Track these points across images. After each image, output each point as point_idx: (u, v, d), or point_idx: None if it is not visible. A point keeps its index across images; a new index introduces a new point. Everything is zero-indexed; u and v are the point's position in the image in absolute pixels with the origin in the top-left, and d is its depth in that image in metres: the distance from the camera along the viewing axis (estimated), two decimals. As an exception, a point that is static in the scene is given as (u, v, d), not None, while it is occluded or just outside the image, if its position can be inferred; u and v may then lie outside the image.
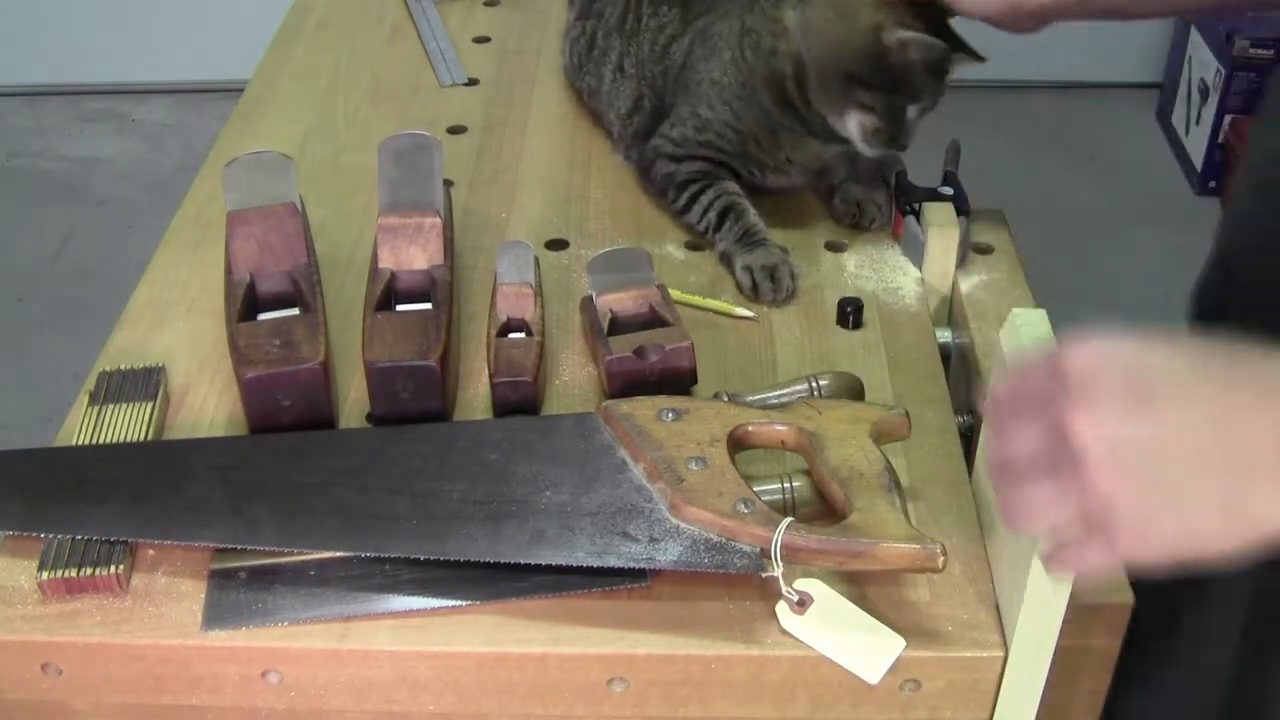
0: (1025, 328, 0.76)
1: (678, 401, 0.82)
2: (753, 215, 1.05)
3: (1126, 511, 0.61)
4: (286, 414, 0.85)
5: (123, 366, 0.92)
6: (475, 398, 0.92)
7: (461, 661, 0.76)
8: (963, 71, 0.99)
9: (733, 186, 1.07)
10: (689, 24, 1.11)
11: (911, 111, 1.00)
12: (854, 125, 1.00)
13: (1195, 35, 2.80)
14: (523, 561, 0.76)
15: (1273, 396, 0.59)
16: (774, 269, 1.01)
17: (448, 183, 1.08)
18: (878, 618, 0.75)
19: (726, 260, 1.04)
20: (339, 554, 0.79)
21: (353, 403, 0.92)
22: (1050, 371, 0.63)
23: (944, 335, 1.00)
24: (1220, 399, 0.60)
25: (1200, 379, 0.60)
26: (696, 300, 0.99)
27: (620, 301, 0.93)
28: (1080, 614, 0.74)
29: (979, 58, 0.98)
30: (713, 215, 1.05)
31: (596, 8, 1.21)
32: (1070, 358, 0.62)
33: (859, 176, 1.09)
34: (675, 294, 0.96)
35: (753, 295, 1.01)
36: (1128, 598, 0.76)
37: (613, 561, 0.75)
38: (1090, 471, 0.60)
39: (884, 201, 1.08)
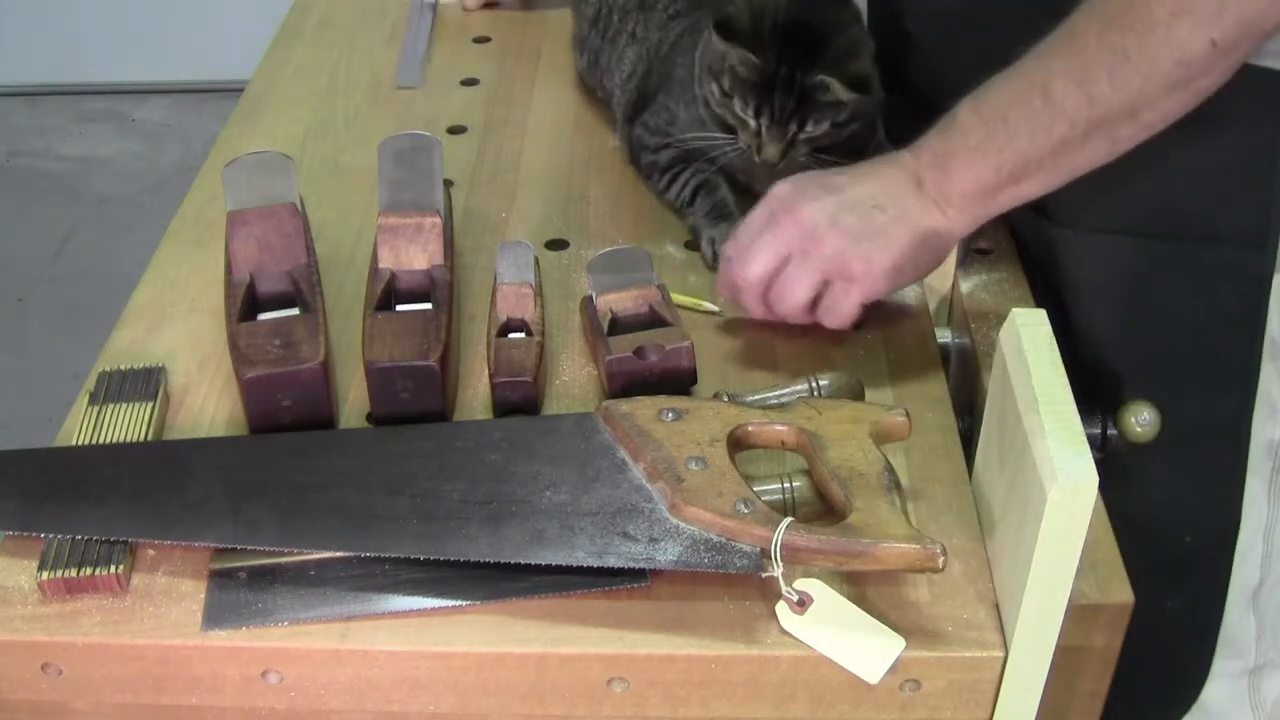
0: (1025, 328, 0.76)
1: (678, 401, 0.82)
2: (724, 191, 1.06)
3: (849, 256, 0.87)
4: (286, 414, 0.85)
5: (123, 366, 0.92)
6: (475, 398, 0.92)
7: (461, 661, 0.76)
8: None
9: (711, 168, 1.07)
10: (693, 10, 1.11)
11: (761, 121, 1.01)
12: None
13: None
14: (523, 561, 0.76)
15: (899, 162, 0.89)
16: None
17: (448, 183, 1.08)
18: (878, 618, 0.75)
19: (695, 234, 1.06)
20: (339, 554, 0.79)
21: (353, 403, 0.92)
22: (765, 205, 0.90)
23: (944, 335, 1.00)
24: (875, 171, 0.90)
25: (859, 170, 0.91)
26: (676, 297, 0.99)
27: (620, 301, 0.93)
28: (1080, 614, 0.75)
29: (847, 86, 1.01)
30: (687, 192, 1.08)
31: None
32: (773, 192, 0.91)
33: None
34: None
35: (714, 268, 1.02)
36: (1128, 597, 0.76)
37: (613, 561, 0.75)
38: (821, 239, 0.87)
39: None
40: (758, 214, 0.92)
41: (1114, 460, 0.95)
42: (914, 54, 0.89)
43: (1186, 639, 1.06)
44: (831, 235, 0.88)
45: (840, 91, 0.99)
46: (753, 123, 1.01)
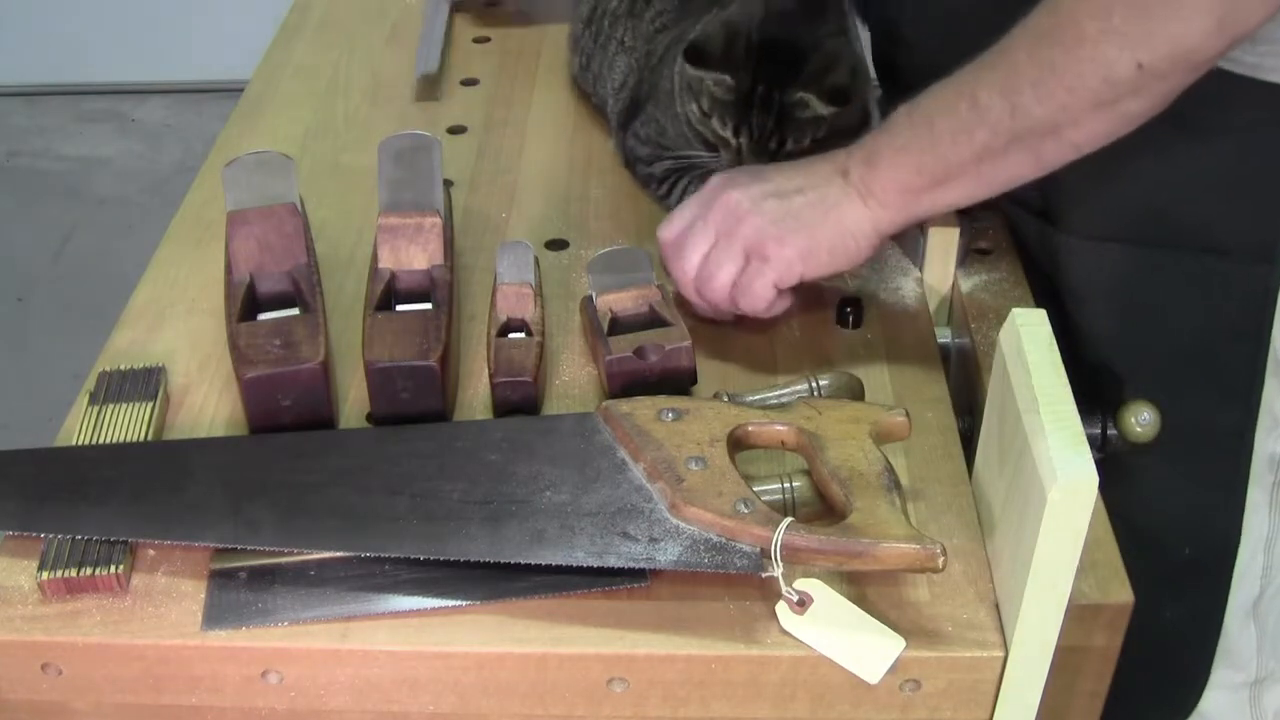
0: (1025, 328, 0.76)
1: (678, 401, 0.82)
2: None
3: (766, 235, 0.89)
4: (286, 414, 0.85)
5: (123, 366, 0.92)
6: (475, 398, 0.92)
7: (461, 661, 0.76)
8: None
9: (714, 169, 1.07)
10: (680, 21, 1.11)
11: (741, 140, 1.01)
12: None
13: None
14: (523, 561, 0.76)
15: (832, 157, 0.91)
16: None
17: (448, 183, 1.08)
18: (878, 618, 0.75)
19: None
20: (339, 554, 0.79)
21: (353, 403, 0.92)
22: (696, 196, 0.94)
23: (944, 335, 1.00)
24: (806, 164, 0.92)
25: (789, 165, 0.93)
26: None
27: (620, 301, 0.93)
28: (1080, 614, 0.75)
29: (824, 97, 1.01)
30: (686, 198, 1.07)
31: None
32: (706, 184, 0.94)
33: None
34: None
35: None
36: (1128, 598, 0.76)
37: (612, 561, 0.75)
38: (743, 218, 0.90)
39: None
40: (690, 204, 0.94)
41: (1115, 466, 0.95)
42: (913, 58, 0.89)
43: (1185, 648, 1.06)
44: (752, 216, 0.90)
45: (819, 107, 1.00)
46: (733, 141, 1.01)
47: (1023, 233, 1.04)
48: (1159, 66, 0.77)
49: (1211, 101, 0.82)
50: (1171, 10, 0.75)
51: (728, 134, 1.02)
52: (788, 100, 1.00)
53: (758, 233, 0.90)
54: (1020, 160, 0.84)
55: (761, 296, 0.91)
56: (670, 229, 0.95)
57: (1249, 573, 1.03)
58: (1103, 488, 0.70)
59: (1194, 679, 1.06)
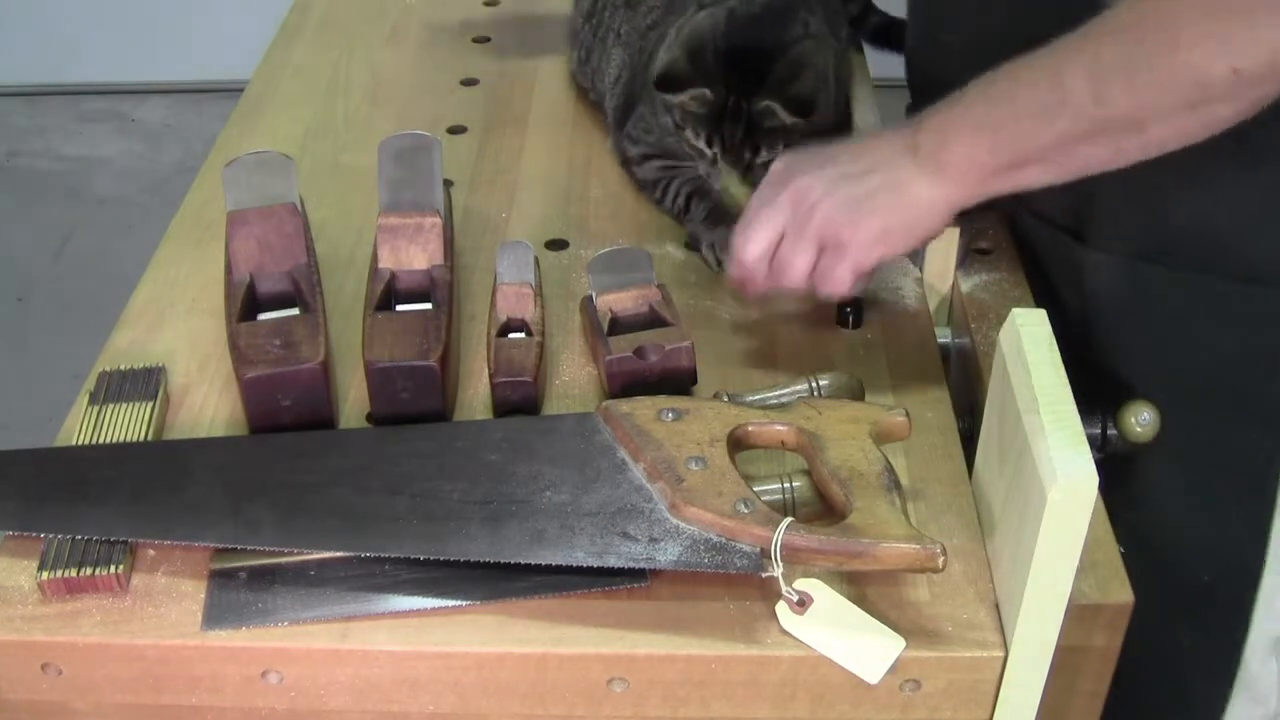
0: (1025, 328, 0.76)
1: (678, 401, 0.82)
2: (717, 194, 1.06)
3: (839, 223, 0.86)
4: (286, 414, 0.85)
5: (123, 366, 0.92)
6: (475, 398, 0.92)
7: (461, 661, 0.76)
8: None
9: (699, 174, 1.07)
10: (667, 18, 1.11)
11: (714, 150, 1.01)
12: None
13: None
14: (523, 561, 0.76)
15: (897, 131, 0.88)
16: None
17: (448, 183, 1.08)
18: (878, 618, 0.75)
19: (694, 240, 1.06)
20: (339, 554, 0.79)
21: (353, 403, 0.92)
22: (766, 182, 0.90)
23: (944, 335, 1.00)
24: (871, 142, 0.90)
25: (855, 144, 0.91)
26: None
27: (620, 301, 0.93)
28: (1080, 614, 0.75)
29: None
30: (680, 201, 1.08)
31: None
32: (771, 170, 0.91)
33: None
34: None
35: (718, 271, 1.02)
36: (1128, 598, 0.76)
37: (613, 561, 0.75)
38: (815, 206, 0.87)
39: None
40: (759, 194, 0.91)
41: (1135, 486, 0.95)
42: (951, 65, 0.87)
43: (1202, 677, 1.04)
44: (823, 204, 0.87)
45: (784, 116, 0.99)
46: (708, 151, 1.01)
47: (1039, 247, 1.03)
48: (1255, 73, 0.75)
49: (1273, 124, 0.80)
50: (1277, 18, 0.73)
51: (701, 144, 1.02)
52: (755, 109, 0.99)
53: (830, 221, 0.87)
54: (1099, 150, 0.81)
55: (842, 281, 0.89)
56: (741, 224, 0.92)
57: (1272, 607, 1.01)
58: (1105, 491, 0.70)
59: (1211, 709, 1.05)
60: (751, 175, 1.01)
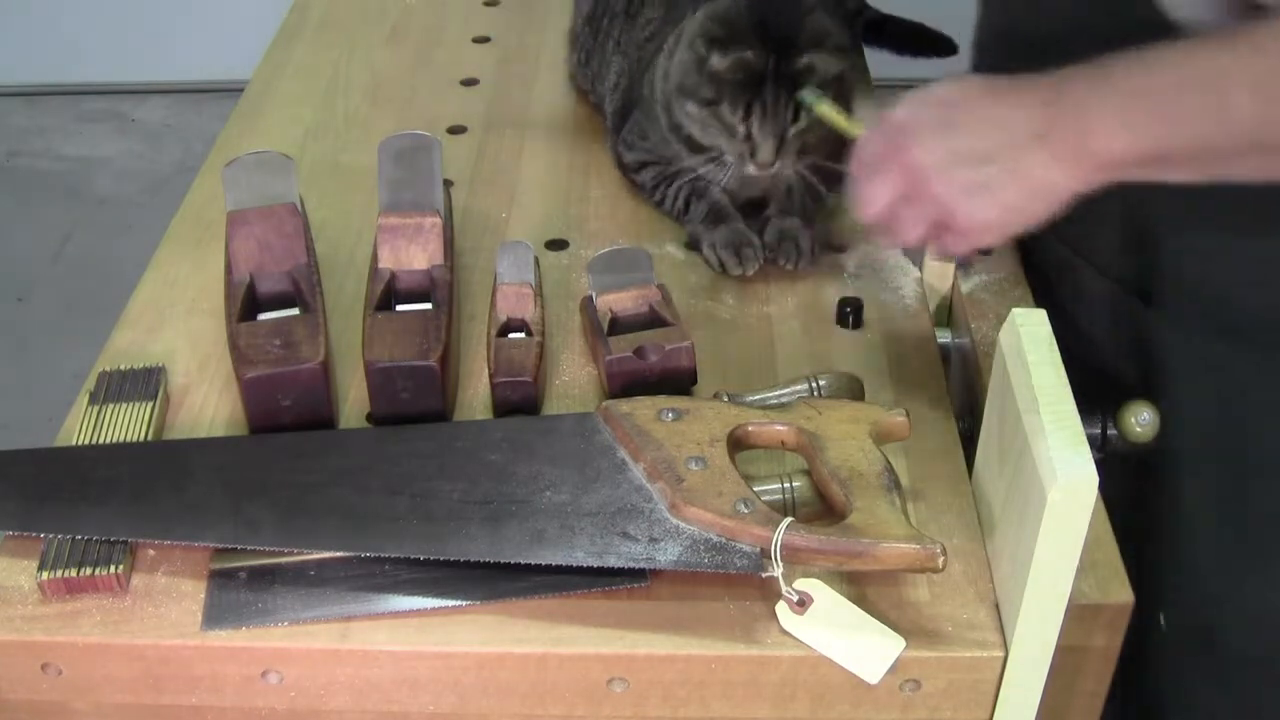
0: (1025, 328, 0.76)
1: (678, 401, 0.82)
2: (716, 193, 1.06)
3: (954, 209, 0.82)
4: (286, 414, 0.85)
5: (123, 366, 0.92)
6: (475, 398, 0.92)
7: (461, 661, 0.76)
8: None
9: (699, 174, 1.06)
10: (664, 28, 1.11)
11: (752, 121, 1.00)
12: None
13: None
14: (523, 561, 0.76)
15: (1027, 103, 0.81)
16: (738, 245, 1.02)
17: (448, 183, 1.08)
18: (878, 618, 0.75)
19: (695, 240, 1.06)
20: (339, 554, 0.79)
21: (353, 403, 0.92)
22: (883, 133, 0.85)
23: (944, 335, 1.00)
24: (997, 112, 0.82)
25: (982, 105, 0.82)
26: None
27: (620, 301, 0.93)
28: (1080, 614, 0.75)
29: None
30: (679, 203, 1.08)
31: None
32: (893, 116, 0.84)
33: (794, 211, 1.06)
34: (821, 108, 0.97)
35: (720, 271, 1.02)
36: (1128, 598, 0.76)
37: (612, 561, 0.75)
38: (929, 185, 0.82)
39: (806, 243, 1.04)
40: (874, 140, 0.86)
41: (1176, 556, 0.93)
42: (1034, 55, 0.84)
43: None
44: (938, 185, 0.82)
45: (831, 65, 0.99)
46: (741, 127, 1.00)
47: (1093, 300, 0.99)
48: None
49: None
50: None
51: (736, 118, 1.00)
52: (797, 68, 0.99)
53: (945, 206, 0.82)
54: (1250, 168, 0.78)
55: (957, 252, 0.88)
56: (856, 161, 0.88)
57: None
58: (1103, 489, 0.70)
59: None
60: (784, 149, 1.00)
